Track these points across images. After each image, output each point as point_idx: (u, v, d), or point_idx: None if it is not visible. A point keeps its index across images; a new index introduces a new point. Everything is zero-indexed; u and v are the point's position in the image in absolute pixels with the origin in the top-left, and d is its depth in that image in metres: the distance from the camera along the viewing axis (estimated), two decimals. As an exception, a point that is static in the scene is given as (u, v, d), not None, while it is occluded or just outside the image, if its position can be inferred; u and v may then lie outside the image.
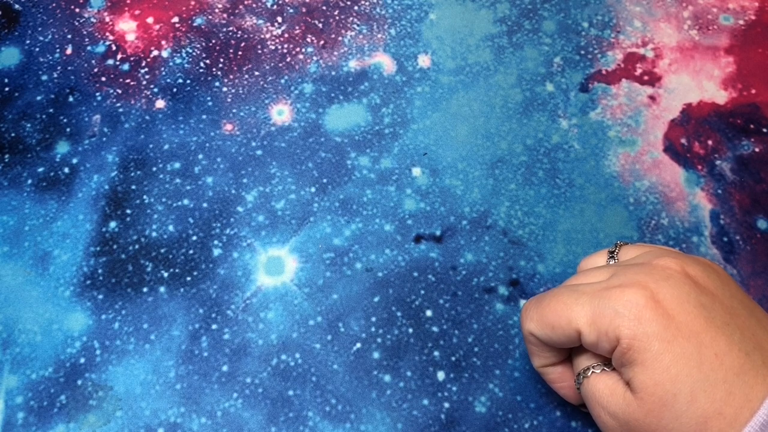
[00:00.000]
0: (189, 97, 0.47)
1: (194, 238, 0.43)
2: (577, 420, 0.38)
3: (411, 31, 0.50)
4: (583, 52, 0.49)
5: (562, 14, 0.51)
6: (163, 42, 0.49)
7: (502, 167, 0.45)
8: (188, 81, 0.48)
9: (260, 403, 0.38)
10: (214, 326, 0.40)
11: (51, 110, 0.47)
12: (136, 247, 0.42)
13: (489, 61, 0.49)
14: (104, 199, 0.44)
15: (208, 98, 0.47)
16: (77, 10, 0.51)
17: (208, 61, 0.49)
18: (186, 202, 0.44)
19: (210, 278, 0.41)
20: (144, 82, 0.48)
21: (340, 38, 0.50)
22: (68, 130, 0.46)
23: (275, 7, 0.51)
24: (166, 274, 0.41)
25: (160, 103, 0.47)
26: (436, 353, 0.40)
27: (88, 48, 0.49)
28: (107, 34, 0.50)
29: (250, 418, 0.38)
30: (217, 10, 0.51)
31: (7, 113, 0.46)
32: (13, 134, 0.46)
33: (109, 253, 0.42)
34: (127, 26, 0.50)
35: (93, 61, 0.48)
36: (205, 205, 0.44)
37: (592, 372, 0.32)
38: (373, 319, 0.40)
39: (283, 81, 0.48)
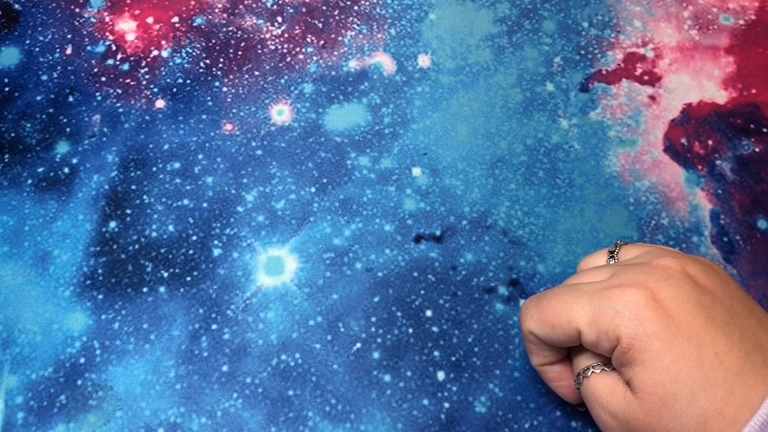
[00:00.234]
0: (189, 97, 0.47)
1: (194, 238, 0.43)
2: (577, 420, 0.38)
3: (411, 31, 0.50)
4: (583, 52, 0.49)
5: (562, 14, 0.51)
6: (163, 42, 0.49)
7: (502, 167, 0.45)
8: (188, 81, 0.48)
9: (260, 403, 0.38)
10: (214, 326, 0.40)
11: (51, 110, 0.47)
12: (136, 247, 0.42)
13: (489, 61, 0.49)
14: (104, 199, 0.44)
15: (208, 98, 0.47)
16: (77, 10, 0.51)
17: (208, 61, 0.49)
18: (186, 202, 0.44)
19: (210, 278, 0.41)
20: (144, 82, 0.48)
21: (340, 38, 0.50)
22: (68, 130, 0.46)
23: (275, 7, 0.51)
24: (166, 274, 0.41)
25: (160, 103, 0.47)
26: (436, 353, 0.40)
27: (88, 48, 0.49)
28: (107, 34, 0.50)
29: (250, 418, 0.38)
30: (217, 10, 0.51)
31: (7, 113, 0.46)
32: (13, 134, 0.46)
33: (109, 253, 0.42)
34: (127, 26, 0.50)
35: (93, 61, 0.48)
36: (205, 205, 0.44)
37: (592, 372, 0.32)
38: (373, 319, 0.40)
39: (283, 81, 0.48)
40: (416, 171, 0.45)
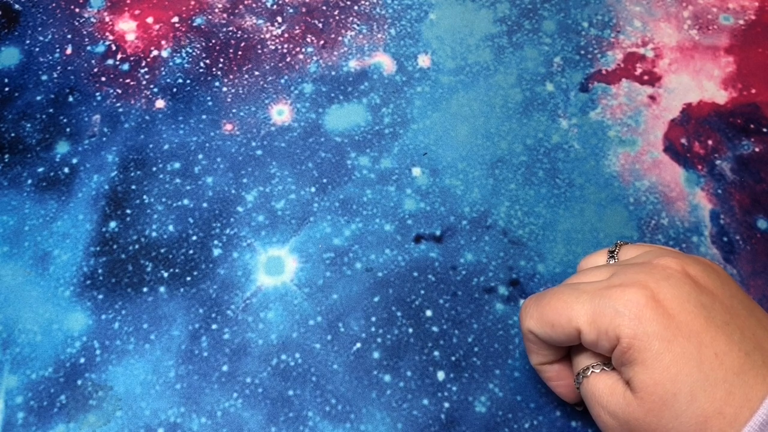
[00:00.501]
0: (189, 97, 0.47)
1: (194, 238, 0.43)
2: (577, 420, 0.38)
3: (411, 31, 0.50)
4: (583, 52, 0.49)
5: (562, 14, 0.51)
6: (163, 42, 0.49)
7: (502, 167, 0.45)
8: (188, 81, 0.48)
9: (260, 403, 0.38)
10: (214, 326, 0.40)
11: (51, 110, 0.47)
12: (136, 247, 0.42)
13: (489, 61, 0.49)
14: (104, 199, 0.44)
15: (208, 98, 0.47)
16: (77, 10, 0.51)
17: (208, 61, 0.49)
18: (186, 202, 0.44)
19: (210, 278, 0.41)
20: (144, 82, 0.48)
21: (340, 38, 0.50)
22: (68, 130, 0.46)
23: (275, 7, 0.51)
24: (166, 274, 0.41)
25: (160, 103, 0.47)
26: (436, 353, 0.40)
27: (88, 48, 0.49)
28: (107, 34, 0.50)
29: (250, 418, 0.38)
30: (217, 10, 0.51)
31: (7, 113, 0.46)
32: (13, 134, 0.46)
33: (109, 253, 0.42)
34: (127, 26, 0.50)
35: (93, 61, 0.48)
36: (205, 205, 0.44)
37: (592, 371, 0.32)
38: (373, 319, 0.40)
39: (283, 81, 0.48)
40: (416, 171, 0.45)
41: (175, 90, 0.47)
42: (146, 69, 0.48)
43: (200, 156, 0.45)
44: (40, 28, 0.50)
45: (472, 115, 0.47)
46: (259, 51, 0.49)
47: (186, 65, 0.48)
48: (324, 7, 0.51)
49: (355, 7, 0.51)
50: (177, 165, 0.45)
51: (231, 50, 0.49)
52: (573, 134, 0.46)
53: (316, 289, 0.41)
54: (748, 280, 0.41)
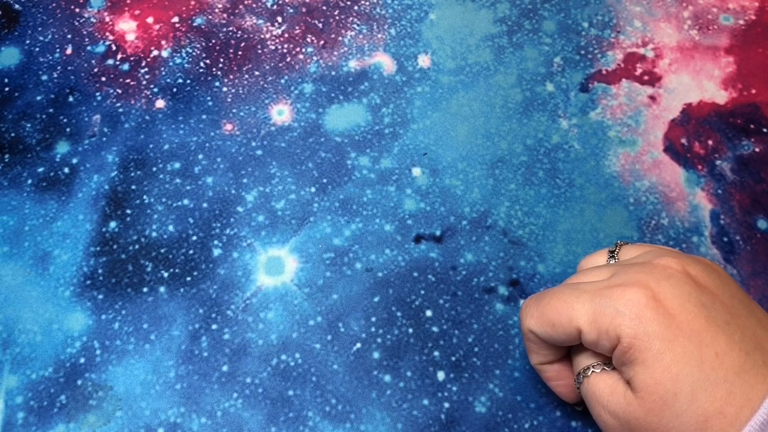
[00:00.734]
0: (189, 97, 0.47)
1: (194, 238, 0.43)
2: (577, 420, 0.38)
3: (411, 31, 0.50)
4: (583, 52, 0.49)
5: (562, 14, 0.51)
6: (163, 42, 0.49)
7: (502, 167, 0.45)
8: (188, 81, 0.48)
9: (260, 403, 0.38)
10: (214, 326, 0.40)
11: (51, 110, 0.47)
12: (136, 247, 0.42)
13: (489, 61, 0.49)
14: (104, 199, 0.44)
15: (208, 98, 0.47)
16: (77, 10, 0.51)
17: (208, 61, 0.49)
18: (186, 202, 0.44)
19: (210, 278, 0.41)
20: (144, 82, 0.48)
21: (340, 38, 0.50)
22: (68, 130, 0.46)
23: (275, 7, 0.51)
24: (166, 274, 0.41)
25: (160, 103, 0.47)
26: (436, 353, 0.40)
27: (88, 48, 0.49)
28: (107, 34, 0.50)
29: (250, 418, 0.38)
30: (217, 10, 0.51)
31: (7, 113, 0.46)
32: (13, 134, 0.46)
33: (109, 253, 0.42)
34: (127, 26, 0.50)
35: (93, 61, 0.48)
36: (205, 205, 0.44)
37: (592, 371, 0.32)
38: (373, 319, 0.40)
39: (283, 81, 0.48)
40: (416, 171, 0.45)
41: (175, 90, 0.47)
42: (146, 69, 0.48)
43: (200, 156, 0.45)
44: (40, 28, 0.50)
45: (472, 115, 0.47)
46: (259, 51, 0.49)
47: (186, 65, 0.48)
48: (324, 7, 0.51)
49: (355, 7, 0.51)
50: (177, 165, 0.45)
51: (231, 50, 0.49)
52: (573, 134, 0.46)
53: (316, 289, 0.41)
54: (748, 280, 0.41)
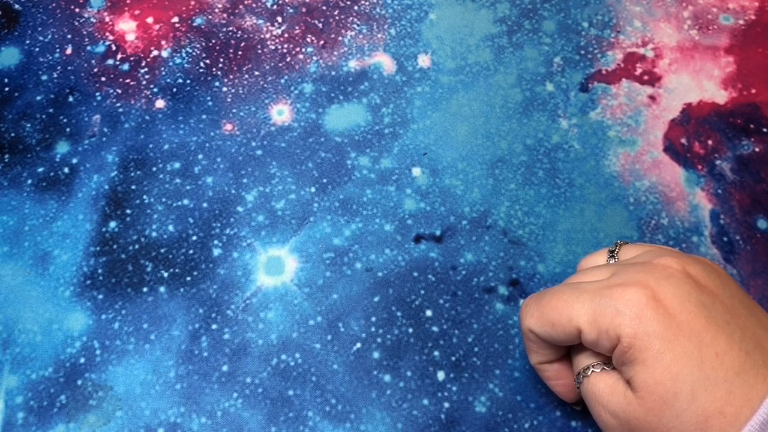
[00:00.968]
0: (189, 97, 0.47)
1: (194, 238, 0.43)
2: (577, 420, 0.38)
3: (411, 31, 0.50)
4: (583, 52, 0.49)
5: (562, 14, 0.51)
6: (163, 42, 0.49)
7: (502, 167, 0.45)
8: (188, 81, 0.48)
9: (260, 403, 0.38)
10: (214, 326, 0.40)
11: (51, 110, 0.47)
12: (136, 247, 0.42)
13: (489, 61, 0.49)
14: (104, 199, 0.44)
15: (208, 98, 0.47)
16: (77, 10, 0.51)
17: (208, 61, 0.49)
18: (186, 202, 0.44)
19: (210, 278, 0.41)
20: (144, 82, 0.48)
21: (340, 38, 0.50)
22: (68, 130, 0.46)
23: (275, 7, 0.51)
24: (166, 274, 0.41)
25: (160, 103, 0.47)
26: (436, 353, 0.40)
27: (88, 48, 0.49)
28: (107, 34, 0.50)
29: (250, 418, 0.38)
30: (217, 10, 0.51)
31: (7, 113, 0.46)
32: (13, 134, 0.46)
33: (109, 253, 0.42)
34: (127, 26, 0.50)
35: (93, 61, 0.48)
36: (205, 205, 0.44)
37: (592, 371, 0.32)
38: (373, 319, 0.40)
39: (283, 81, 0.48)
40: (416, 171, 0.45)
41: (175, 90, 0.47)
42: (146, 69, 0.48)
43: (200, 156, 0.45)
44: (40, 28, 0.50)
45: (472, 115, 0.47)
46: (259, 51, 0.49)
47: (186, 65, 0.48)
48: (324, 7, 0.51)
49: (355, 7, 0.51)
50: (177, 165, 0.45)
51: (231, 50, 0.49)
52: (573, 134, 0.46)
53: (316, 289, 0.41)
54: (748, 280, 0.41)
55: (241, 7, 0.51)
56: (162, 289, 0.41)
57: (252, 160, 0.45)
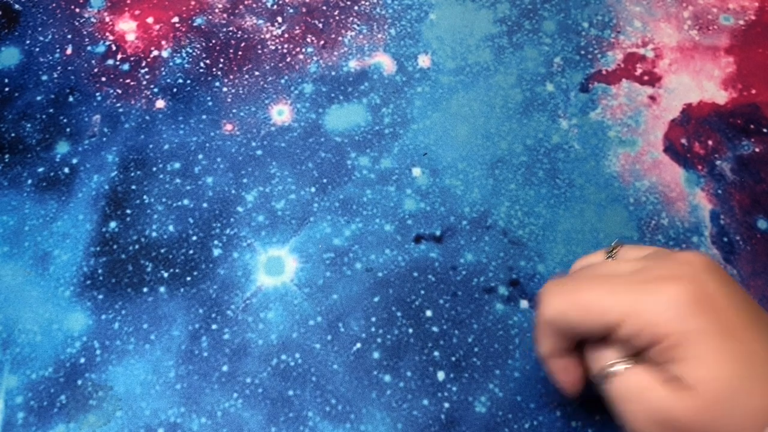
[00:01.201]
0: (189, 97, 0.47)
1: (194, 238, 0.43)
2: (577, 420, 0.38)
3: (411, 31, 0.50)
4: (583, 52, 0.49)
5: (562, 14, 0.51)
6: (163, 42, 0.49)
7: (502, 167, 0.45)
8: (188, 81, 0.48)
9: (260, 403, 0.38)
10: (214, 326, 0.40)
11: (51, 110, 0.47)
12: (136, 247, 0.42)
13: (489, 61, 0.49)
14: (104, 199, 0.44)
15: (208, 98, 0.47)
16: (77, 10, 0.51)
17: (208, 61, 0.49)
18: (186, 202, 0.44)
19: (210, 278, 0.41)
20: (144, 82, 0.48)
21: (340, 38, 0.50)
22: (68, 130, 0.46)
23: (275, 7, 0.51)
24: (166, 274, 0.41)
25: (160, 103, 0.47)
26: (436, 353, 0.40)
27: (88, 48, 0.49)
28: (107, 34, 0.50)
29: (250, 418, 0.38)
30: (217, 10, 0.51)
31: (7, 113, 0.46)
32: (13, 134, 0.46)
33: (109, 253, 0.42)
34: (127, 26, 0.50)
35: (93, 61, 0.48)
36: (205, 205, 0.44)
37: (624, 367, 0.30)
38: (373, 319, 0.40)
39: (283, 81, 0.48)
40: (416, 171, 0.45)
41: (175, 90, 0.47)
42: (146, 69, 0.48)
43: (200, 156, 0.45)
44: (40, 28, 0.50)
45: (472, 115, 0.47)
46: (259, 51, 0.49)
47: (186, 65, 0.48)
48: (324, 7, 0.51)
49: (355, 7, 0.51)
50: (177, 165, 0.45)
51: (231, 50, 0.49)
52: (573, 134, 0.46)
53: (316, 289, 0.41)
54: (748, 280, 0.41)
55: (241, 7, 0.51)
56: (162, 289, 0.41)
57: (252, 160, 0.45)
